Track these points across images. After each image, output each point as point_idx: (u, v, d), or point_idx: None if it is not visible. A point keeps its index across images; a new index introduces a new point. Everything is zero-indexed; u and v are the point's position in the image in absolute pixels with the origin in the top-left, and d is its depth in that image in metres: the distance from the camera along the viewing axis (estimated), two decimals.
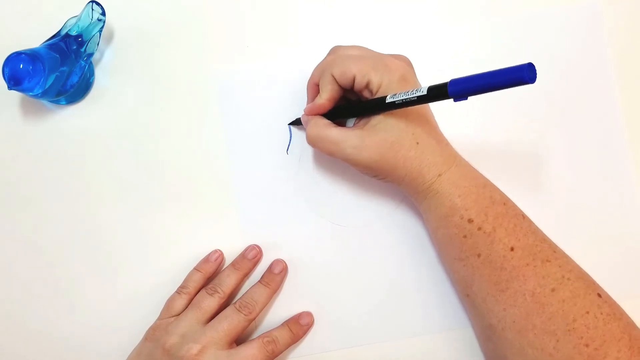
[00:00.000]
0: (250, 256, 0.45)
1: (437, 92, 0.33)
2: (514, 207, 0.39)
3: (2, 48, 0.44)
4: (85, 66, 0.46)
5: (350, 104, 0.42)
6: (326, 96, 0.40)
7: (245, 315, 0.42)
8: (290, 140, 0.47)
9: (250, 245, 0.46)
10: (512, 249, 0.37)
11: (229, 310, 0.42)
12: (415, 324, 0.45)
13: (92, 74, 0.48)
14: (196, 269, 0.45)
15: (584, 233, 0.46)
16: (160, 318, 0.44)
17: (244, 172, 0.47)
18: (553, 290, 0.36)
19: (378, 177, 0.40)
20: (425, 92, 0.34)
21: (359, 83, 0.38)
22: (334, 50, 0.42)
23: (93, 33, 0.45)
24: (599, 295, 0.37)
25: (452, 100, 0.32)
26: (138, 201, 0.47)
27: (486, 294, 0.37)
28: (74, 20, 0.45)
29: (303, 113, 0.43)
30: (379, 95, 0.38)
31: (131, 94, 0.48)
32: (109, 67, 0.49)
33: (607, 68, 0.47)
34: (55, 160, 0.48)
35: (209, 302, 0.42)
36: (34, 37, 0.45)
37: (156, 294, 0.45)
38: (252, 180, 0.47)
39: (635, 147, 0.46)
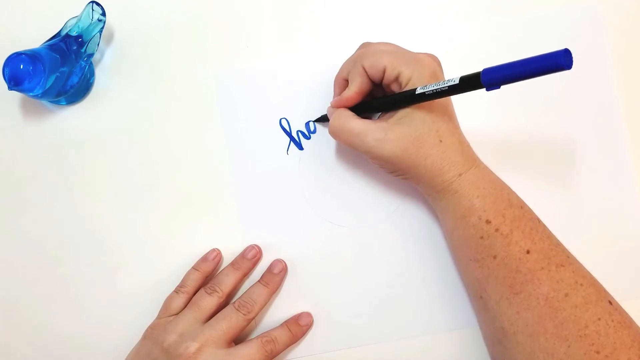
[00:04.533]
0: (250, 256, 0.45)
1: (470, 82, 0.33)
2: (530, 211, 0.39)
3: (2, 48, 0.44)
4: (85, 67, 0.46)
5: (378, 98, 0.41)
6: (355, 88, 0.39)
7: (244, 314, 0.42)
8: (289, 140, 0.47)
9: (250, 245, 0.46)
10: (528, 252, 0.36)
11: (227, 310, 0.42)
12: (415, 324, 0.45)
13: (92, 74, 0.48)
14: (194, 268, 0.45)
15: (584, 233, 0.45)
16: (158, 317, 0.44)
17: (244, 172, 0.47)
18: (566, 295, 0.36)
19: (396, 172, 0.40)
20: (457, 82, 0.33)
21: (389, 75, 0.38)
22: (365, 45, 0.41)
23: (93, 33, 0.45)
24: (610, 303, 0.36)
25: (484, 90, 0.32)
26: (138, 201, 0.47)
27: (500, 297, 0.37)
28: (74, 21, 0.45)
29: (329, 106, 0.42)
30: (407, 88, 0.38)
31: (131, 94, 0.48)
32: (109, 67, 0.49)
33: (607, 68, 0.47)
34: (55, 160, 0.48)
35: (208, 302, 0.42)
36: (34, 38, 0.45)
37: (156, 293, 0.45)
38: (252, 180, 0.47)
39: (635, 147, 0.46)
